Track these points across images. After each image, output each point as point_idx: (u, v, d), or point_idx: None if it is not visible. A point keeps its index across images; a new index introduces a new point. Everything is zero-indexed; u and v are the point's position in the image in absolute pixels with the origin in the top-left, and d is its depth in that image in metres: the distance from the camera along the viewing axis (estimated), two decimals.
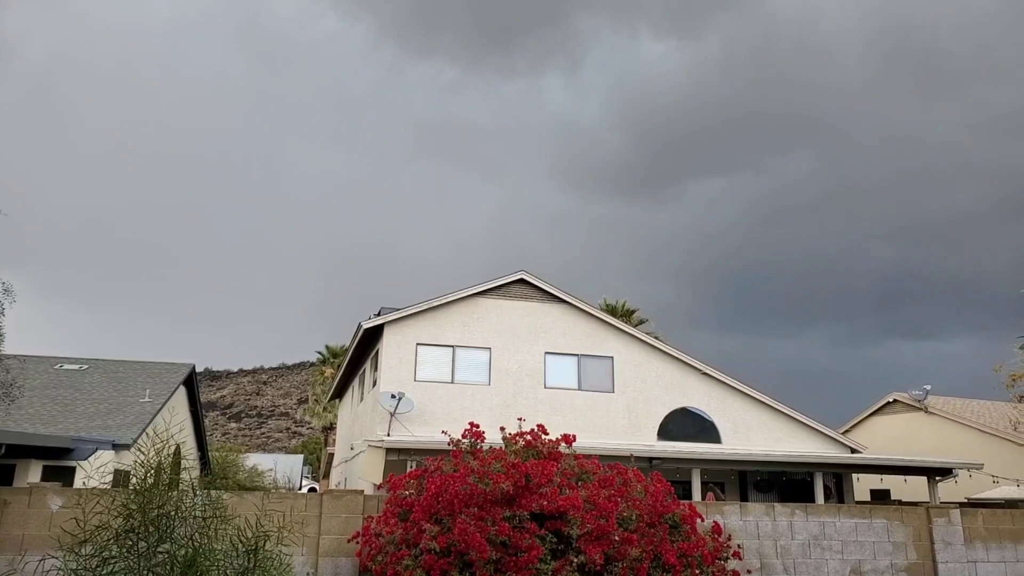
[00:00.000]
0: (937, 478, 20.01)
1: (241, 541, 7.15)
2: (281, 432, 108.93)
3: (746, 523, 11.66)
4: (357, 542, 9.66)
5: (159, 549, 6.83)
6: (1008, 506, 18.17)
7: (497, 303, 19.90)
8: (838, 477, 21.12)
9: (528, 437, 9.85)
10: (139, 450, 7.38)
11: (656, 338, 22.82)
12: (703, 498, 17.39)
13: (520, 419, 10.76)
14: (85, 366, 25.73)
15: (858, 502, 22.15)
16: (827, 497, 19.59)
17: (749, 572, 11.00)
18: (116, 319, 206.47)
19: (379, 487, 14.49)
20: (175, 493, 7.17)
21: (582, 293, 21.05)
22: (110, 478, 17.63)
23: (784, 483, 21.78)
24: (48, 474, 17.75)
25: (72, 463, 17.90)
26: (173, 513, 7.00)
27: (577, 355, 20.15)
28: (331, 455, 32.76)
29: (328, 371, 38.93)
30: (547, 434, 10.01)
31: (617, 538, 8.65)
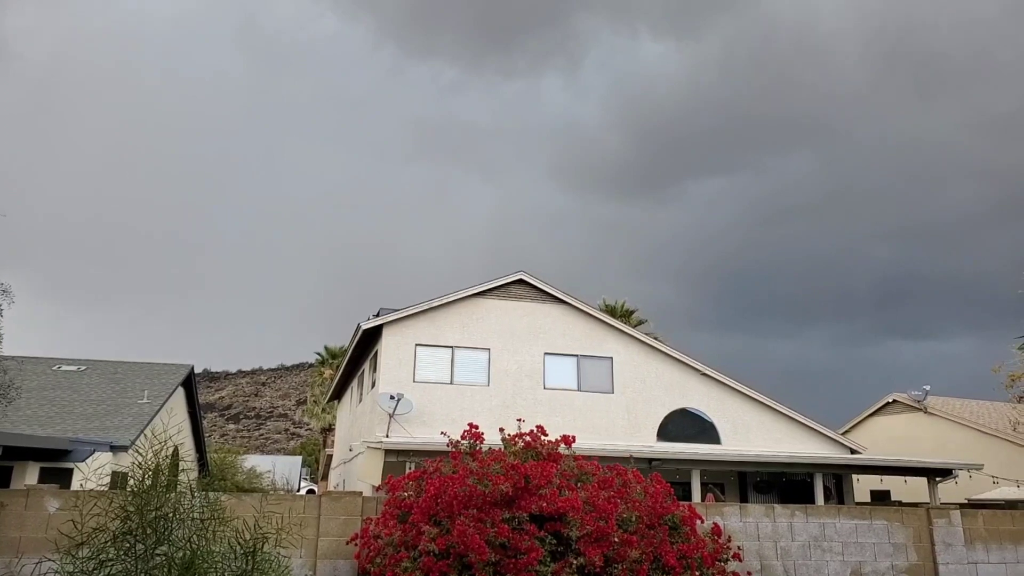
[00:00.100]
0: (937, 479, 19.99)
1: (239, 543, 7.13)
2: (280, 433, 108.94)
3: (746, 524, 11.63)
4: (356, 544, 9.65)
5: (157, 551, 6.82)
6: (1008, 507, 18.16)
7: (496, 303, 19.86)
8: (838, 478, 21.09)
9: (527, 438, 9.82)
10: (137, 452, 7.34)
11: (656, 339, 22.82)
12: (703, 499, 17.35)
13: (519, 420, 10.72)
14: (83, 367, 25.66)
15: (858, 503, 22.13)
16: (827, 498, 19.57)
17: (749, 574, 10.95)
18: (115, 320, 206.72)
19: (378, 489, 14.44)
20: (173, 495, 7.15)
21: (582, 293, 21.06)
22: (108, 480, 17.53)
23: (784, 484, 21.74)
24: (45, 476, 17.66)
25: (69, 465, 17.81)
26: (171, 515, 6.98)
27: (576, 356, 20.12)
28: (330, 456, 32.73)
29: (327, 372, 38.89)
30: (546, 435, 9.98)
31: (617, 540, 8.62)
